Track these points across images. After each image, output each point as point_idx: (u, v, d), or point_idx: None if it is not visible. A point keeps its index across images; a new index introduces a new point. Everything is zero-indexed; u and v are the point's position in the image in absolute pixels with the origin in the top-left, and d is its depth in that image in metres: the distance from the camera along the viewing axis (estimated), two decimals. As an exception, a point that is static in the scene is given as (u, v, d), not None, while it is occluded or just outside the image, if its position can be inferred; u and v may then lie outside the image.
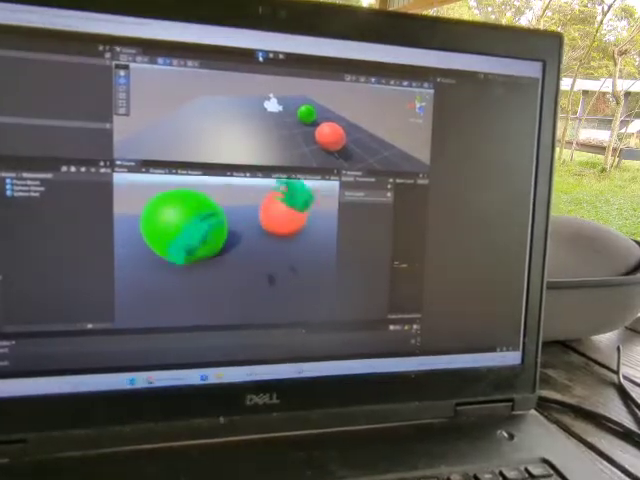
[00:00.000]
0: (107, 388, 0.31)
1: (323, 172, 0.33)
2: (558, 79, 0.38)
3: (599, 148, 10.37)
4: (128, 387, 0.31)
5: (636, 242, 0.63)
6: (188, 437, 0.31)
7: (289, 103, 0.32)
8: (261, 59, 0.32)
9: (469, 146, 0.36)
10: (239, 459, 0.31)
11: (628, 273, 0.58)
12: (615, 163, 9.21)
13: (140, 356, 0.31)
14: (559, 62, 0.38)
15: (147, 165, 0.31)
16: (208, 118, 0.31)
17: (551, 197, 0.39)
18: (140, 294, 0.31)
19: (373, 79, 0.34)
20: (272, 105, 0.32)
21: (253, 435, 0.33)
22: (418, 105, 0.35)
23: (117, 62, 0.30)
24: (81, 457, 0.30)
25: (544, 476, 0.31)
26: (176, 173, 0.31)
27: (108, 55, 0.30)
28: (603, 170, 8.43)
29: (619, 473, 0.36)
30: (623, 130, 11.33)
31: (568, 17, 12.98)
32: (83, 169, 0.30)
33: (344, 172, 0.34)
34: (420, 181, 0.35)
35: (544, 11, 12.13)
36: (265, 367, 0.33)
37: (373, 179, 0.34)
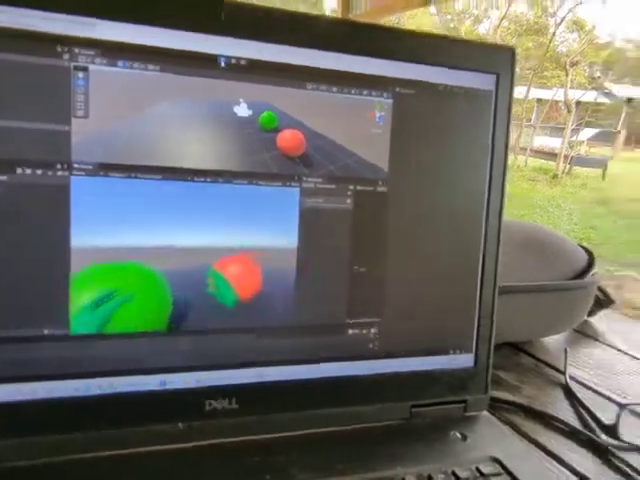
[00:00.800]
0: (65, 395, 0.30)
1: (284, 178, 0.34)
2: (511, 91, 0.40)
3: (552, 155, 10.73)
4: (86, 394, 0.31)
5: (582, 248, 0.66)
6: (148, 443, 0.31)
7: (251, 108, 0.33)
8: (223, 65, 0.32)
9: (427, 154, 0.37)
10: (199, 464, 0.31)
11: (575, 277, 0.60)
12: (566, 170, 9.57)
13: (98, 362, 0.31)
14: (512, 75, 0.40)
15: (105, 168, 0.30)
16: (168, 122, 0.31)
17: (504, 204, 0.40)
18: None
19: (334, 88, 0.34)
20: (242, 109, 0.32)
21: (213, 440, 0.33)
22: (378, 114, 0.36)
23: (76, 64, 0.30)
24: (37, 465, 0.29)
25: (494, 474, 0.33)
26: (135, 177, 0.31)
27: (67, 56, 0.29)
28: (555, 176, 8.74)
29: (566, 472, 0.37)
30: (574, 138, 11.77)
31: (524, 27, 13.39)
32: (39, 172, 0.29)
33: (305, 179, 0.34)
34: (379, 188, 0.36)
35: (501, 21, 12.49)
36: (224, 372, 0.33)
37: (333, 186, 0.35)
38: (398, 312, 0.37)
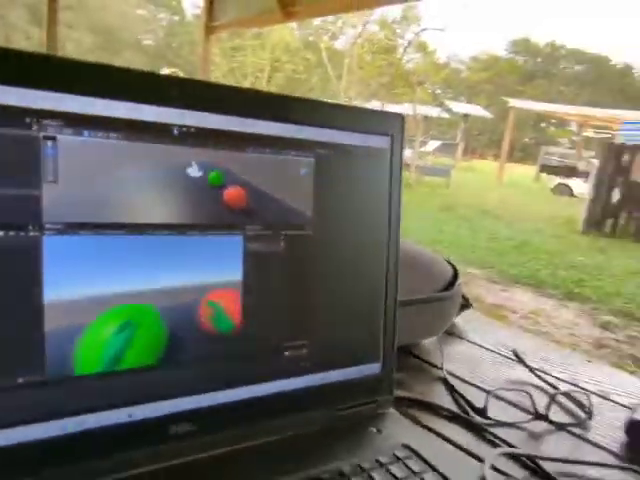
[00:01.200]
0: (41, 436, 0.33)
1: (230, 228, 0.39)
2: (402, 148, 0.49)
3: (405, 165, 11.64)
4: (62, 433, 0.33)
5: (448, 262, 0.79)
6: (123, 469, 0.34)
7: (202, 169, 0.38)
8: (176, 132, 0.37)
9: (342, 201, 0.45)
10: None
11: (445, 288, 0.73)
12: (417, 179, 10.45)
13: (71, 402, 0.34)
14: (402, 135, 0.49)
15: (74, 227, 0.33)
16: (130, 184, 0.35)
17: (399, 239, 0.49)
18: (69, 347, 0.33)
19: (267, 150, 0.41)
20: (193, 171, 0.37)
21: (177, 460, 0.37)
22: (303, 170, 0.42)
23: (45, 134, 0.32)
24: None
25: (407, 457, 0.41)
26: (102, 234, 0.34)
27: (35, 127, 0.32)
28: (408, 185, 9.49)
29: (454, 448, 0.47)
30: (423, 149, 12.88)
31: (376, 46, 14.36)
32: (12, 233, 0.32)
33: (247, 227, 0.40)
34: (305, 232, 0.43)
35: (356, 39, 13.27)
36: (185, 399, 0.38)
37: (270, 232, 0.41)
38: (323, 334, 0.44)
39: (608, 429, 0.54)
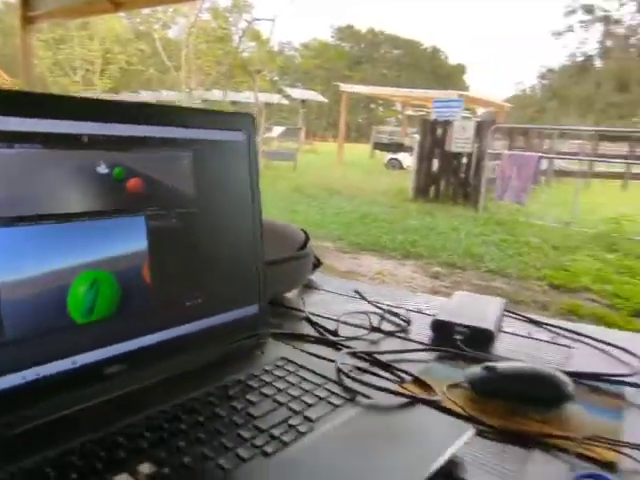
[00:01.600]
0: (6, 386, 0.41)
1: (135, 210, 0.49)
2: (254, 140, 0.63)
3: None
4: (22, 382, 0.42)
5: (301, 230, 0.95)
6: (71, 405, 0.44)
7: (108, 167, 0.47)
8: (86, 140, 0.46)
9: (216, 185, 0.57)
10: (109, 411, 0.46)
11: (301, 249, 0.88)
12: (266, 163, 10.65)
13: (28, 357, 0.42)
14: (254, 130, 0.63)
15: (15, 220, 0.42)
16: (52, 183, 0.44)
17: (261, 212, 0.63)
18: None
19: (157, 148, 0.51)
20: (102, 169, 0.47)
21: (112, 394, 0.47)
22: (185, 162, 0.54)
23: (-19, 148, 0.40)
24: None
25: (284, 364, 0.56)
26: (35, 224, 0.43)
27: (-28, 143, 0.40)
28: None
29: (319, 359, 0.63)
30: (268, 135, 13.10)
31: (211, 36, 14.13)
32: (-36, 228, 0.39)
33: (147, 209, 0.50)
34: (192, 210, 0.55)
35: (190, 29, 12.93)
36: (118, 345, 0.48)
37: (165, 211, 0.52)
38: (213, 287, 0.57)
39: (421, 330, 0.74)
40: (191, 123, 0.55)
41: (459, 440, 0.44)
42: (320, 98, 21.30)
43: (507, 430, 0.49)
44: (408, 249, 4.74)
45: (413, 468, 0.40)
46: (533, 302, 3.40)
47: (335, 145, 16.93)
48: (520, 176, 6.32)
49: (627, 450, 0.46)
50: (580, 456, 0.46)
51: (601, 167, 11.40)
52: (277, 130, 15.19)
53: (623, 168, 11.13)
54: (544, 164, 9.56)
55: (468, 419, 0.50)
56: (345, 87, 16.43)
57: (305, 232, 0.94)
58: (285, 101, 18.87)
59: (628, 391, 0.58)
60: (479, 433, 0.48)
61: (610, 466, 0.45)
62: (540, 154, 7.15)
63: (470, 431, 0.45)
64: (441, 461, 0.41)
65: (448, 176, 7.66)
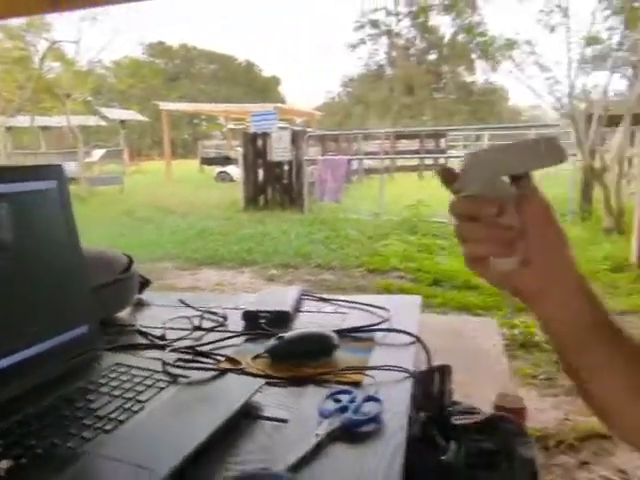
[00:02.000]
0: None
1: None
2: (65, 186, 0.71)
3: (73, 179, 10.83)
4: None
5: (124, 254, 1.03)
6: None
7: None
8: None
9: (33, 229, 0.65)
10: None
11: (124, 272, 0.97)
12: (89, 190, 9.91)
13: None
14: (63, 176, 0.71)
15: None
16: None
17: (80, 246, 0.72)
18: None
19: (-29, 206, 0.58)
20: None
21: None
22: (4, 214, 0.61)
23: None
24: None
25: (119, 367, 0.66)
26: None
27: None
28: (81, 199, 8.87)
29: (147, 359, 0.74)
30: (88, 159, 12.20)
31: (8, 58, 12.61)
32: None
33: (-29, 259, 0.57)
34: (8, 258, 0.62)
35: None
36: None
37: None
38: (46, 315, 0.65)
39: (236, 322, 0.89)
40: (4, 179, 0.62)
41: (252, 390, 0.59)
42: (139, 117, 20.41)
43: (291, 378, 0.67)
44: (244, 257, 4.90)
45: (218, 414, 0.55)
46: (355, 287, 3.81)
47: (162, 163, 16.40)
48: (335, 178, 6.93)
49: (369, 372, 0.67)
50: (338, 382, 0.65)
51: (401, 162, 12.95)
52: (98, 153, 14.18)
53: (417, 161, 12.78)
54: (355, 164, 10.53)
55: (265, 377, 0.66)
56: (164, 105, 16.02)
57: (128, 256, 1.03)
58: (103, 122, 17.70)
59: (377, 335, 0.81)
60: (274, 385, 0.65)
61: (357, 384, 0.65)
62: (349, 156, 7.89)
63: (260, 383, 0.61)
64: (238, 405, 0.56)
65: (274, 184, 8.01)
